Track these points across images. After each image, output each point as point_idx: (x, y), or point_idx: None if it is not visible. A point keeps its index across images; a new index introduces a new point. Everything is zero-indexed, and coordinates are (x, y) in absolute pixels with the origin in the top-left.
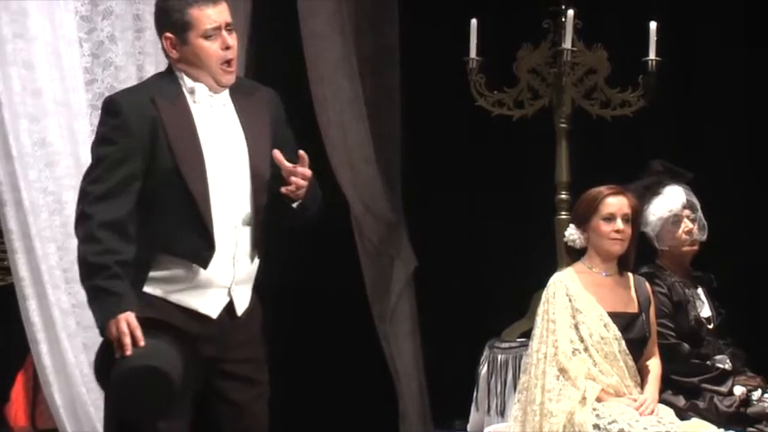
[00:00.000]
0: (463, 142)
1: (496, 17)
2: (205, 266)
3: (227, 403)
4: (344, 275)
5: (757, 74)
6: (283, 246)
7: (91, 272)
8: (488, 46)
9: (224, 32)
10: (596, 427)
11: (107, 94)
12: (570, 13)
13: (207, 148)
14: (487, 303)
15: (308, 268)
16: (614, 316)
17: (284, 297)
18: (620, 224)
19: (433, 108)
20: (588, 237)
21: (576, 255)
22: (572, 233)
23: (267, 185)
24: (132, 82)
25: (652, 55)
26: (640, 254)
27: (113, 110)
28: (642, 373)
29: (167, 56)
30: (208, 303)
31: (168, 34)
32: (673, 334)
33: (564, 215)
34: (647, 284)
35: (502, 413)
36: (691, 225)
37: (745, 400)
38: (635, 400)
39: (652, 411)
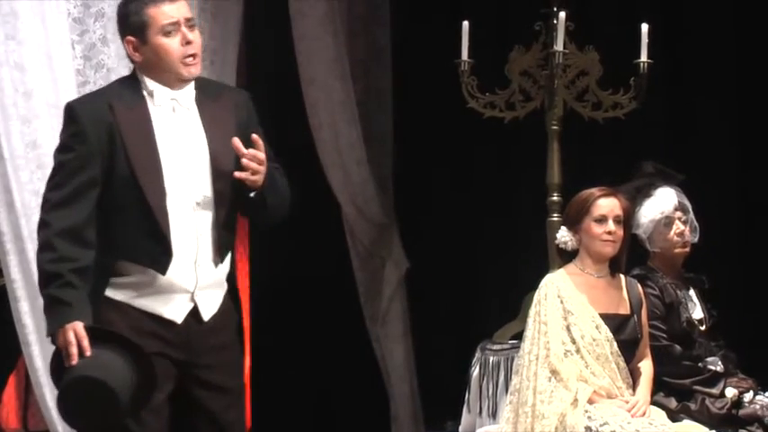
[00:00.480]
0: (455, 144)
1: (488, 19)
2: (163, 272)
3: (200, 411)
4: (336, 277)
5: (748, 75)
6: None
7: (46, 280)
8: (480, 48)
9: (184, 28)
10: (588, 429)
11: None
12: (562, 15)
13: (165, 152)
14: (479, 305)
15: (299, 270)
16: (606, 317)
17: (276, 298)
18: (611, 226)
19: (425, 110)
20: (580, 238)
21: (567, 257)
22: (564, 235)
23: (231, 188)
24: None
25: (644, 57)
26: (632, 256)
27: (71, 116)
28: (634, 375)
29: (132, 60)
30: (171, 309)
31: (129, 37)
32: (664, 336)
33: (555, 217)
34: (639, 286)
35: (493, 415)
36: (682, 227)
37: (737, 402)
38: (627, 402)
39: (644, 413)
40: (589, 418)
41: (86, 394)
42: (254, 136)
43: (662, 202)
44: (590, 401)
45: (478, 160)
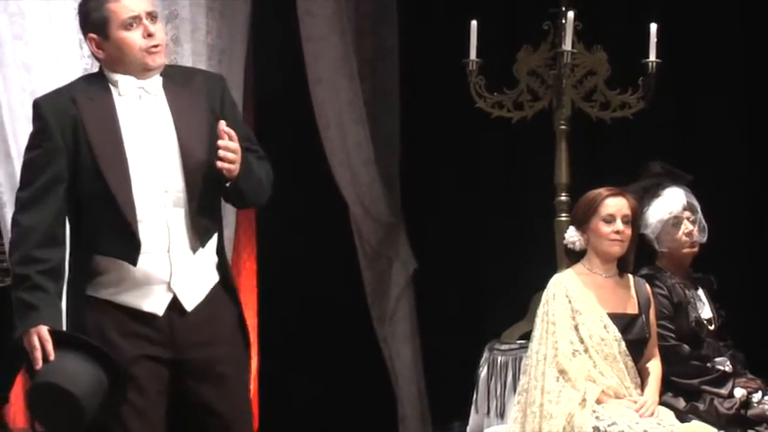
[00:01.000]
0: (462, 144)
1: (496, 19)
2: (134, 263)
3: (197, 405)
4: (343, 277)
5: (757, 74)
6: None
7: (15, 282)
8: (488, 47)
9: (145, 21)
10: (596, 429)
11: None
12: (570, 14)
13: (130, 141)
14: (487, 305)
15: (307, 270)
16: (614, 317)
17: (283, 299)
18: (619, 225)
19: (433, 110)
20: (588, 238)
21: (575, 256)
22: (572, 235)
23: (205, 174)
24: None
25: (652, 57)
26: (640, 255)
27: (36, 113)
28: (642, 375)
29: (96, 58)
30: (151, 301)
31: (91, 35)
32: (673, 336)
33: (563, 217)
34: (647, 286)
35: (501, 415)
36: (691, 227)
37: (746, 403)
38: (635, 402)
39: (652, 413)
40: (597, 418)
41: (50, 400)
42: (222, 126)
43: (670, 202)
44: (598, 401)
45: (486, 160)
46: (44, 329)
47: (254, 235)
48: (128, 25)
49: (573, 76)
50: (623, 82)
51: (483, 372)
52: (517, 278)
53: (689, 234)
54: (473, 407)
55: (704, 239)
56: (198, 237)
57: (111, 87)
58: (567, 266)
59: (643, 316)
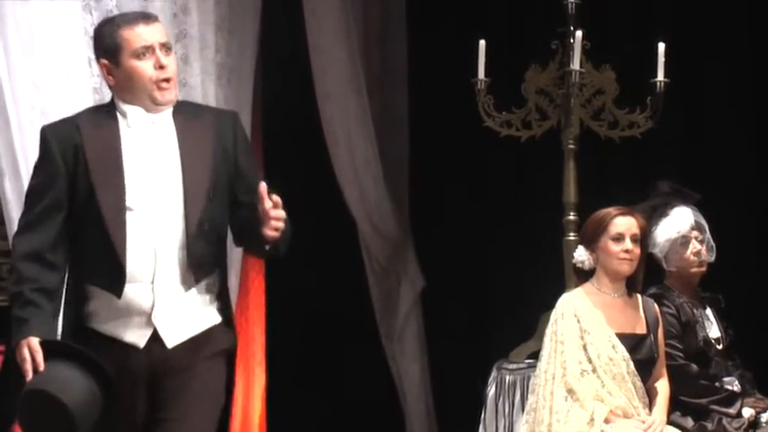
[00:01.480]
0: (471, 162)
1: (505, 38)
2: (119, 295)
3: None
4: (352, 295)
5: (766, 95)
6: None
7: (11, 303)
8: (496, 66)
9: (158, 52)
10: None
11: None
12: (579, 34)
13: (131, 170)
14: (495, 324)
15: (315, 287)
16: (622, 337)
17: (292, 316)
18: (628, 244)
19: (441, 128)
20: (597, 257)
21: (584, 276)
22: (581, 254)
23: (210, 211)
24: None
25: (660, 76)
26: (648, 275)
27: (42, 140)
28: (650, 395)
29: (108, 84)
30: (131, 332)
31: (103, 60)
32: (681, 355)
33: (572, 236)
34: (656, 305)
35: None
36: (699, 246)
37: (754, 423)
38: (643, 422)
39: None
40: None
41: (38, 408)
42: (275, 197)
43: (678, 222)
44: (606, 421)
45: (494, 179)
46: (34, 341)
47: None
48: (140, 54)
49: (581, 95)
50: (632, 101)
51: (491, 390)
52: (525, 297)
53: (697, 253)
54: (481, 426)
55: (712, 259)
56: (193, 272)
57: (120, 117)
58: (576, 285)
59: (651, 336)
